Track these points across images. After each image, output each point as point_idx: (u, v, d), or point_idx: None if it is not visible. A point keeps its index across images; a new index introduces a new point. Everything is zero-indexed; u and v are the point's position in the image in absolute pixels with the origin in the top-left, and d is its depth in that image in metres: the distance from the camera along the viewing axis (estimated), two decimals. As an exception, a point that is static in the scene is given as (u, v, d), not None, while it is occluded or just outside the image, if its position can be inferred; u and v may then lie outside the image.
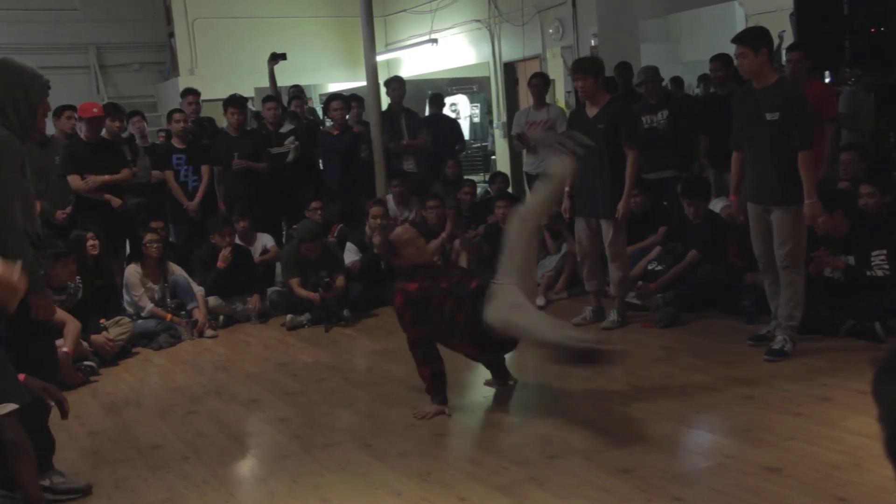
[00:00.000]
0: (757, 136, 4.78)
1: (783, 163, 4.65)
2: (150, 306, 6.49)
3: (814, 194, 4.62)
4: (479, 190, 9.54)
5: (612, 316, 5.77)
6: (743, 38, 4.76)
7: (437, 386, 4.27)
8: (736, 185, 5.03)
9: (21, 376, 3.01)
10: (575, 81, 5.69)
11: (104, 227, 6.55)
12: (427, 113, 9.55)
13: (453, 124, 9.48)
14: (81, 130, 7.09)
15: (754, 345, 4.97)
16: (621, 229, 5.69)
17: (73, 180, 6.83)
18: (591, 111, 5.64)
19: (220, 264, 6.84)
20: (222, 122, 8.52)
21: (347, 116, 8.34)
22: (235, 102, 7.88)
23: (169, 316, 6.50)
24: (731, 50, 8.11)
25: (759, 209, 4.87)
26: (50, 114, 6.98)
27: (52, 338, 3.57)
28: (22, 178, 3.36)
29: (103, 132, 7.25)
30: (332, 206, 7.95)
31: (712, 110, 7.17)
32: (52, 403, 3.09)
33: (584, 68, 5.61)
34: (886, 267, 5.05)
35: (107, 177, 6.88)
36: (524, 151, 8.17)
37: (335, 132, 8.19)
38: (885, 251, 5.07)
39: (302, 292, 6.64)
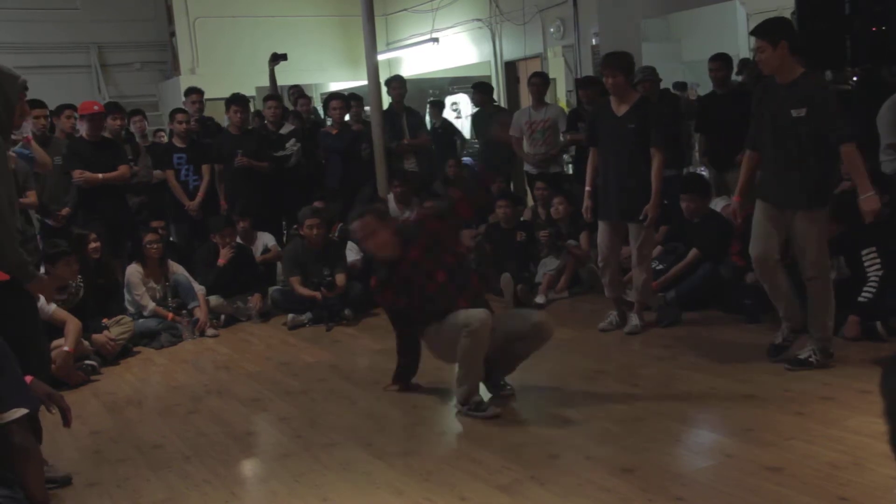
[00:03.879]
0: (782, 135, 4.41)
1: (811, 164, 4.33)
2: (152, 305, 6.49)
3: (870, 187, 4.22)
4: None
5: (634, 321, 5.60)
6: (759, 31, 4.42)
7: (401, 374, 4.72)
8: (742, 185, 4.72)
9: (28, 380, 3.01)
10: (605, 78, 5.41)
11: (107, 226, 6.56)
12: (429, 120, 9.55)
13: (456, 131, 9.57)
14: (82, 129, 7.09)
15: (777, 360, 4.63)
16: (651, 233, 5.56)
17: (75, 173, 6.82)
18: (620, 109, 5.37)
19: (220, 262, 6.84)
20: (223, 122, 8.53)
21: (347, 116, 8.34)
22: (238, 101, 7.88)
23: (171, 315, 6.51)
24: (733, 49, 8.07)
25: (771, 209, 4.52)
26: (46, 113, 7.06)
27: (39, 329, 3.57)
28: (5, 173, 3.41)
29: (105, 131, 7.26)
30: (333, 206, 7.96)
31: (710, 110, 7.18)
32: (55, 411, 3.08)
33: (614, 65, 5.32)
34: (878, 262, 5.01)
35: (101, 175, 6.86)
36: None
37: (334, 132, 8.18)
38: (874, 249, 5.00)
39: (303, 291, 6.64)
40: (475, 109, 9.26)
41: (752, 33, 4.55)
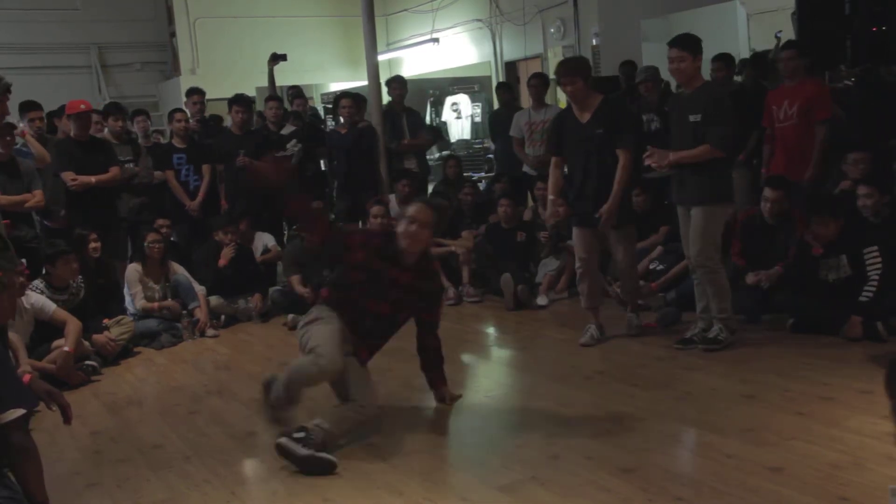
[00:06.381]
0: (680, 139, 4.92)
1: (701, 163, 4.81)
2: (141, 303, 6.48)
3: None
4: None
5: (634, 321, 5.55)
6: (682, 43, 4.82)
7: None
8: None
9: (26, 379, 3.01)
10: (563, 87, 5.16)
11: (95, 226, 6.49)
12: (429, 115, 9.57)
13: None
14: (71, 129, 7.01)
15: (681, 348, 5.09)
16: (632, 233, 5.47)
17: (67, 177, 6.79)
18: (584, 116, 5.16)
19: (221, 262, 6.84)
20: (228, 122, 8.53)
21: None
22: (241, 101, 7.87)
23: (156, 304, 6.47)
24: (733, 50, 8.08)
25: (683, 211, 5.06)
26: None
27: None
28: None
29: (105, 132, 7.23)
30: (339, 203, 7.99)
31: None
32: (55, 409, 3.09)
33: (571, 70, 5.10)
34: (879, 261, 5.03)
35: (94, 178, 6.79)
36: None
37: (343, 131, 8.16)
38: (875, 248, 5.05)
39: (300, 289, 6.64)
40: (496, 108, 9.25)
41: (672, 44, 4.83)
